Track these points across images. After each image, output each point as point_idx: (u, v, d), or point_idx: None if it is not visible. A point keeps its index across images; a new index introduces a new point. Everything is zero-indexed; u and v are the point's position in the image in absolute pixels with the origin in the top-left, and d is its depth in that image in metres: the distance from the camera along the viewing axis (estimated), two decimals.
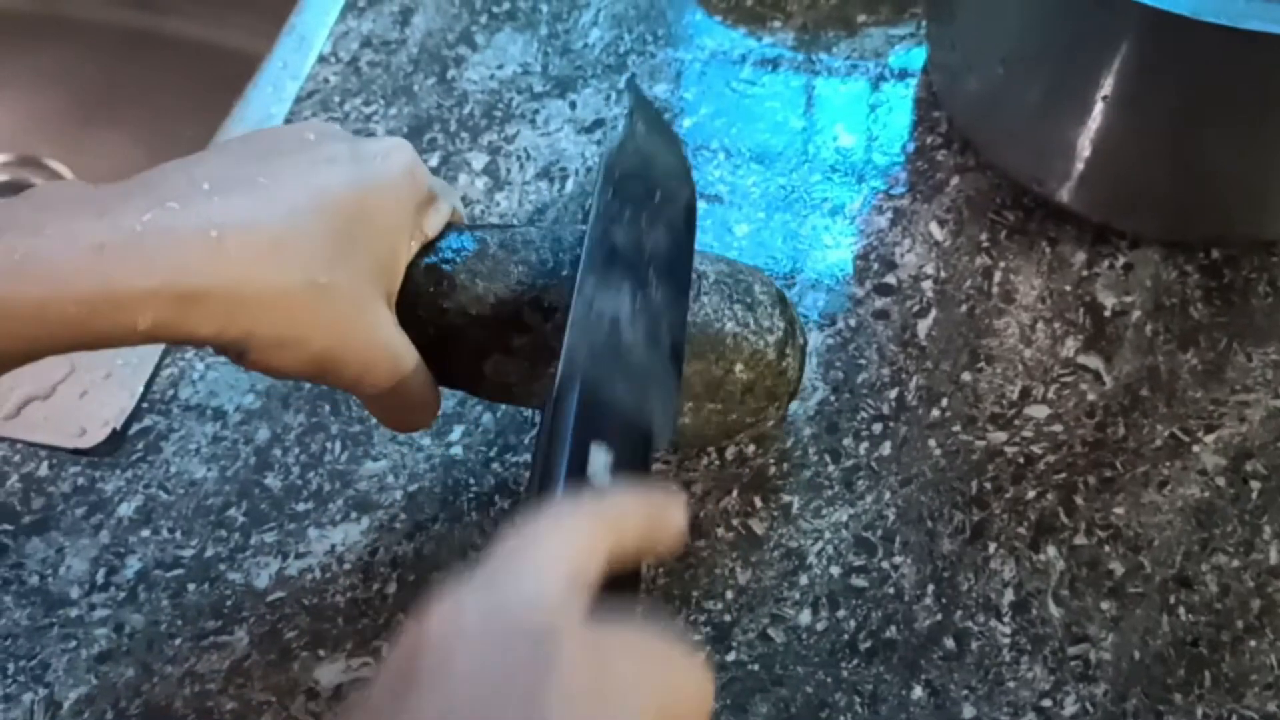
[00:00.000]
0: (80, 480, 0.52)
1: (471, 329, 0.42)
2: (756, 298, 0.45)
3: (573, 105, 0.63)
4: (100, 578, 0.49)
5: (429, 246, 0.43)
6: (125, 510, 0.51)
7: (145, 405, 0.53)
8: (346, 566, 0.49)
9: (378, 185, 0.39)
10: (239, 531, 0.50)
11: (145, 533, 0.50)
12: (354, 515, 0.50)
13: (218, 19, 1.01)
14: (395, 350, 0.40)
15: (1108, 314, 0.53)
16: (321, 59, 0.66)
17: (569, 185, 0.59)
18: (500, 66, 0.65)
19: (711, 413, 0.45)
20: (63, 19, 0.99)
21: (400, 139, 0.42)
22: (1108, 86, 0.49)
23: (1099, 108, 0.50)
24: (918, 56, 0.63)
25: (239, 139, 0.39)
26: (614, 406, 0.36)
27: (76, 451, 0.52)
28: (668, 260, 0.42)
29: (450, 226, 0.44)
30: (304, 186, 0.37)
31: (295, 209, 0.36)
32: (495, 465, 0.51)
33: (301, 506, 0.50)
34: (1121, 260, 0.55)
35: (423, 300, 0.42)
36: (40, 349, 0.33)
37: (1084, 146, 0.52)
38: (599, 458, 0.33)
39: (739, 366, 0.44)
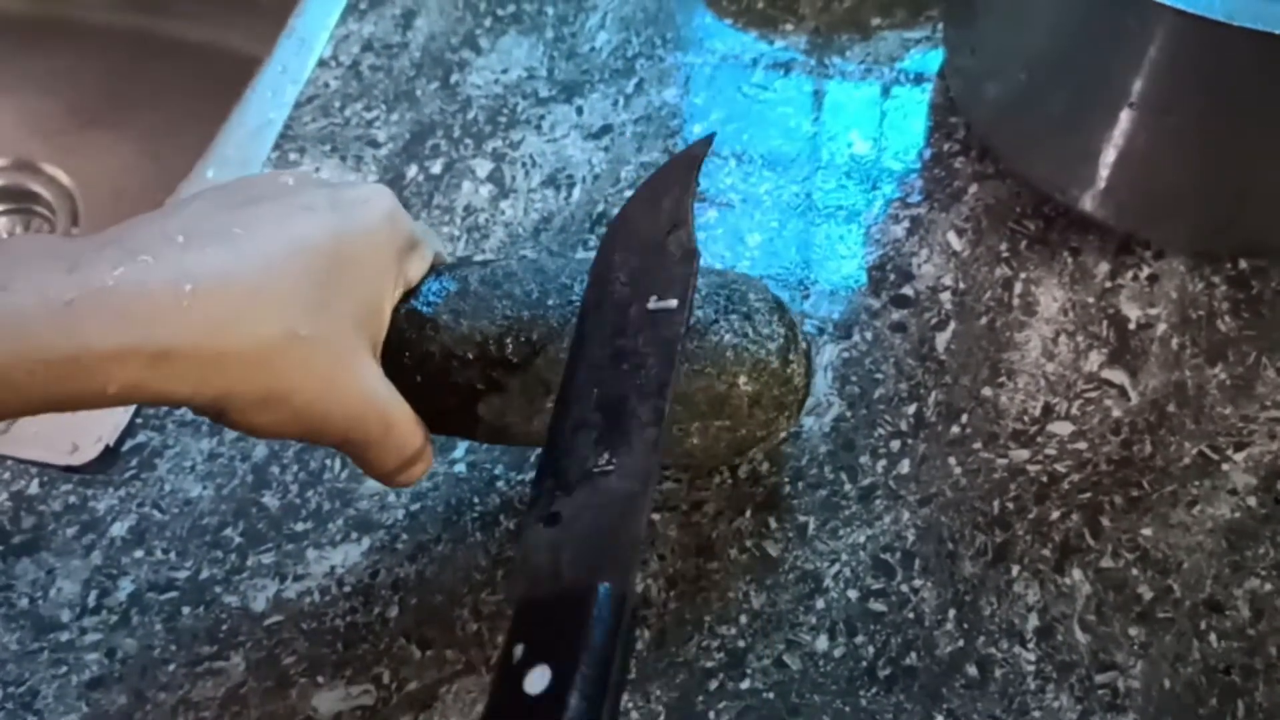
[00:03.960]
0: (72, 499, 0.50)
1: (460, 370, 0.41)
2: (752, 306, 0.43)
3: (580, 110, 0.61)
4: (92, 600, 0.47)
5: (410, 292, 0.41)
6: (118, 530, 0.49)
7: (139, 421, 0.52)
8: (346, 589, 0.47)
9: (357, 232, 0.38)
10: (235, 552, 0.48)
11: (138, 553, 0.48)
12: (354, 535, 0.48)
13: (220, 21, 1.00)
14: (383, 401, 0.38)
15: (1132, 327, 0.51)
16: (322, 63, 0.65)
17: (575, 193, 0.58)
18: (505, 71, 0.63)
19: (720, 430, 0.43)
20: (60, 21, 0.98)
21: (380, 185, 0.40)
22: (1135, 92, 0.48)
23: (1126, 114, 0.49)
24: (934, 60, 0.61)
25: (216, 188, 0.38)
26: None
27: (68, 469, 0.51)
28: (656, 339, 0.38)
29: (431, 269, 0.43)
30: (280, 236, 0.36)
31: (272, 259, 0.35)
32: (500, 484, 0.49)
33: (300, 526, 0.49)
34: (1146, 271, 0.53)
35: (407, 346, 0.41)
36: (4, 411, 0.32)
37: (1109, 154, 0.51)
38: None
39: (742, 379, 0.42)
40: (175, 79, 0.99)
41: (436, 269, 0.43)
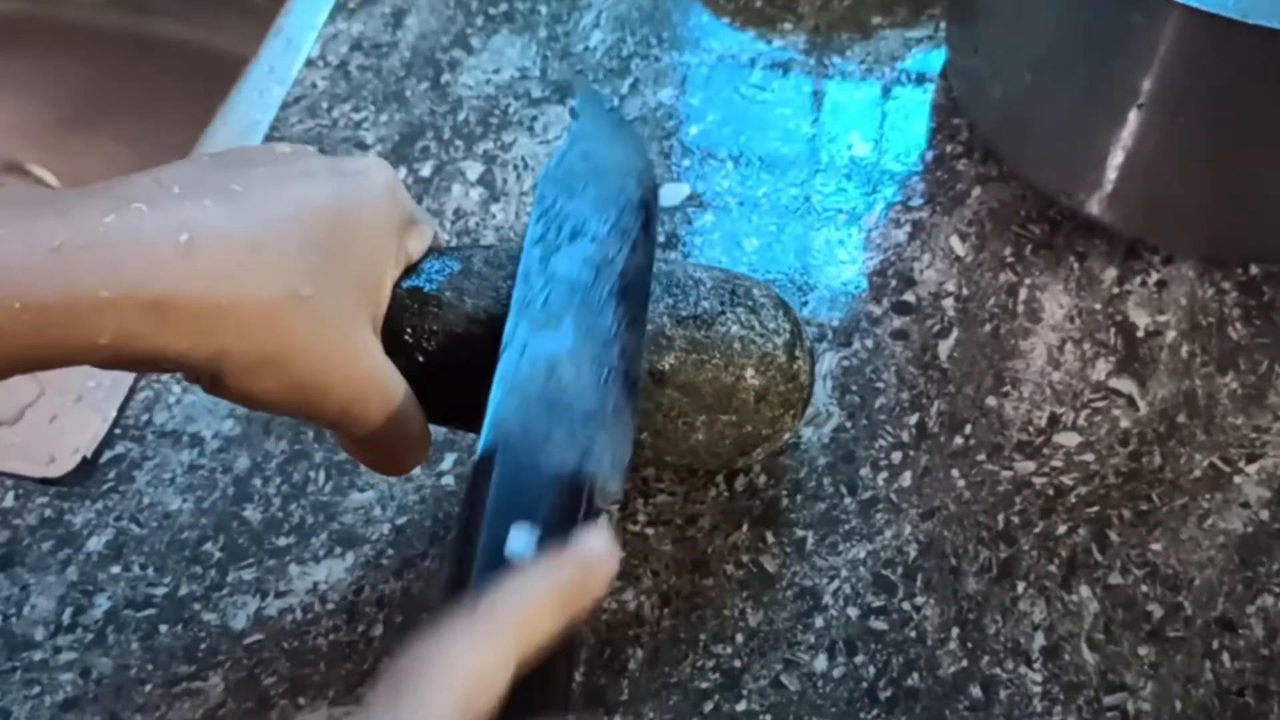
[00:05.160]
0: (48, 512, 0.48)
1: (463, 350, 0.39)
2: (757, 300, 0.42)
3: (573, 112, 0.59)
4: (67, 618, 0.46)
5: (410, 269, 0.40)
6: (95, 545, 0.48)
7: (118, 431, 0.50)
8: (330, 606, 0.46)
9: (358, 201, 0.36)
10: (215, 568, 0.47)
11: (115, 569, 0.47)
12: (338, 551, 0.47)
13: (208, 21, 0.98)
14: (384, 378, 0.36)
15: (1141, 334, 0.50)
16: (309, 63, 0.63)
17: None
18: (497, 71, 0.61)
19: (726, 426, 0.42)
20: (47, 21, 0.96)
21: (379, 159, 0.39)
22: (1144, 93, 0.46)
23: (1134, 115, 0.47)
24: (936, 60, 0.60)
25: (208, 154, 0.36)
26: (543, 473, 0.33)
27: (45, 481, 0.49)
28: (624, 272, 0.38)
29: (431, 250, 0.41)
30: (281, 196, 0.34)
31: (273, 216, 0.33)
32: None
33: (282, 541, 0.47)
34: (1155, 277, 0.51)
35: (408, 323, 0.39)
36: None
37: (1117, 156, 0.49)
38: (520, 539, 0.31)
39: (749, 372, 0.41)
40: (163, 80, 0.98)
41: (437, 249, 0.42)
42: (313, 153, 0.38)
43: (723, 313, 0.41)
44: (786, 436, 0.44)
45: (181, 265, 0.31)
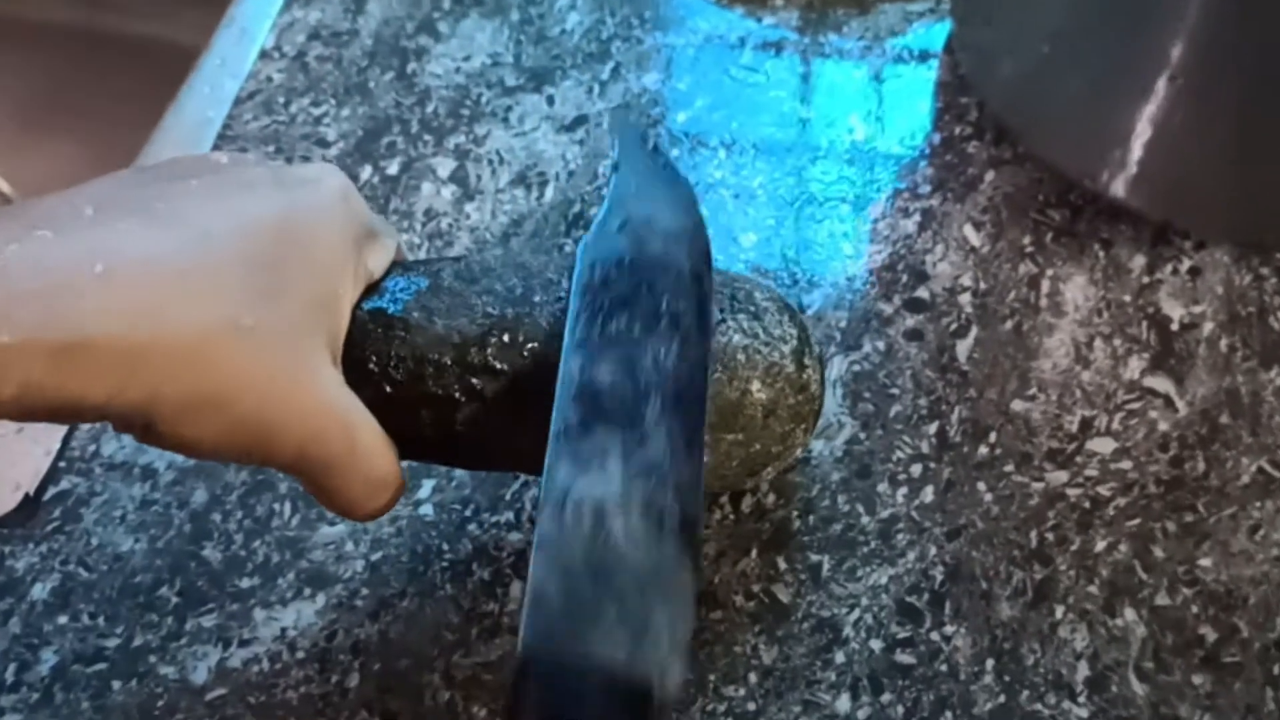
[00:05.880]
0: None
1: (435, 377, 0.35)
2: (760, 305, 0.38)
3: (550, 100, 0.55)
4: (10, 675, 0.41)
5: (371, 289, 0.35)
6: (39, 592, 0.43)
7: (63, 465, 0.46)
8: (300, 655, 0.41)
9: (308, 213, 0.32)
10: (172, 615, 0.42)
11: (63, 619, 0.43)
12: (308, 592, 0.43)
13: (164, 13, 0.94)
14: (346, 413, 0.32)
15: (1175, 327, 0.46)
16: (264, 54, 0.58)
17: (549, 192, 0.52)
18: (467, 58, 0.57)
19: (732, 445, 0.38)
20: None
21: (330, 164, 0.34)
22: (1174, 62, 0.42)
23: (1163, 86, 0.43)
24: (939, 35, 0.56)
25: (132, 169, 0.32)
26: (593, 674, 0.27)
27: None
28: (676, 376, 0.32)
29: (394, 265, 0.37)
30: (216, 212, 0.30)
31: (206, 236, 0.29)
32: (472, 527, 0.44)
33: (246, 583, 0.43)
34: (1187, 264, 0.48)
35: (372, 350, 0.34)
36: None
37: (1144, 133, 0.45)
38: None
39: (755, 385, 0.37)
40: (120, 74, 0.94)
41: (400, 264, 0.37)
42: (254, 161, 0.33)
43: (722, 320, 0.37)
44: (798, 453, 0.40)
45: (96, 300, 0.27)
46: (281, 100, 0.56)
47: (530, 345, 0.35)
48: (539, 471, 0.40)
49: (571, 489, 0.30)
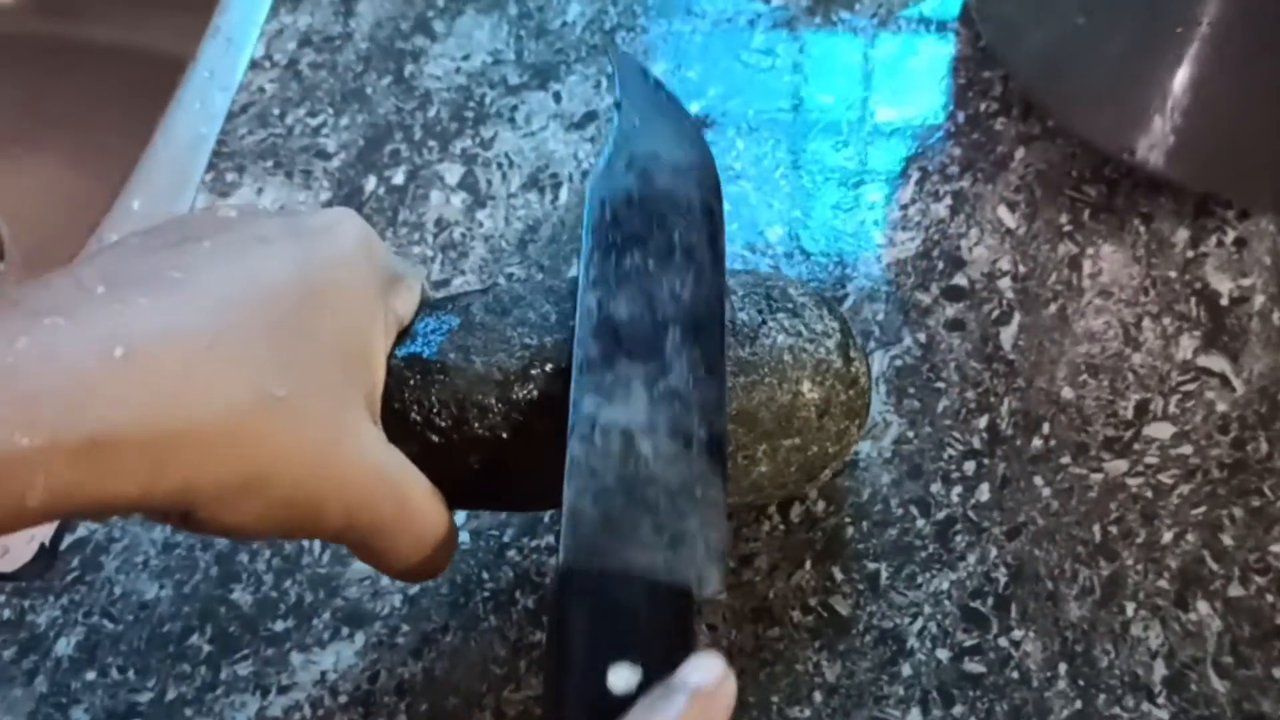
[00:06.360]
0: (6, 613, 0.42)
1: (481, 419, 0.33)
2: (797, 301, 0.37)
3: (557, 97, 0.53)
4: None
5: (401, 334, 0.34)
6: (64, 648, 0.41)
7: None
8: (342, 699, 0.40)
9: (328, 264, 0.30)
10: (205, 664, 0.41)
11: (90, 675, 0.41)
12: (345, 632, 0.41)
13: (144, 21, 0.91)
14: (392, 473, 0.30)
15: (1225, 302, 0.44)
16: (254, 64, 0.56)
17: (563, 194, 0.50)
18: (466, 57, 0.55)
19: (790, 451, 0.36)
20: None
21: (344, 208, 0.32)
22: (1214, 25, 0.40)
23: (1202, 53, 0.42)
24: (953, 6, 0.54)
25: (138, 231, 0.30)
26: (634, 582, 0.28)
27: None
28: (692, 308, 0.33)
29: (420, 305, 0.35)
30: (234, 275, 0.28)
31: (226, 303, 0.27)
32: (511, 553, 0.42)
33: (280, 625, 0.41)
34: (1231, 235, 0.46)
35: (411, 399, 0.33)
36: None
37: (1182, 101, 0.44)
38: (621, 677, 0.26)
39: (806, 385, 0.35)
40: (99, 88, 0.91)
41: (426, 303, 0.36)
42: (264, 212, 0.32)
43: (764, 322, 0.36)
44: (854, 451, 0.39)
45: (119, 388, 0.25)
46: (276, 112, 0.54)
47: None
48: None
49: (598, 417, 0.31)
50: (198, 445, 0.26)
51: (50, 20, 0.92)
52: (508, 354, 0.33)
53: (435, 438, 0.33)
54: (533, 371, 0.33)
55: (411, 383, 0.33)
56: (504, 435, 0.33)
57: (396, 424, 0.32)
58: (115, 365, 0.25)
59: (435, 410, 0.33)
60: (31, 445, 0.24)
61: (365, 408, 0.30)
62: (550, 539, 0.42)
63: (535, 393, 0.33)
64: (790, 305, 0.37)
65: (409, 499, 0.31)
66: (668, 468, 0.30)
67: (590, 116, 0.52)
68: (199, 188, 0.53)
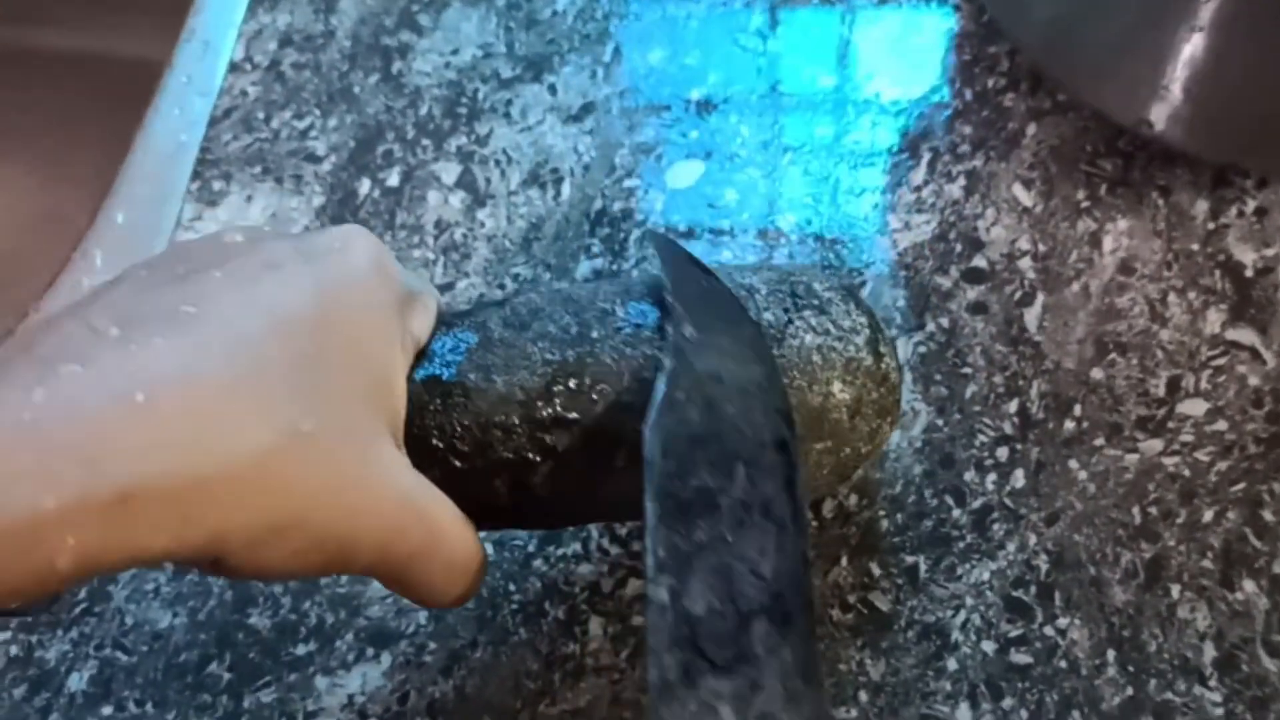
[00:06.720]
0: (13, 649, 0.40)
1: (504, 441, 0.32)
2: (823, 296, 0.36)
3: (552, 90, 0.51)
4: None
5: (418, 355, 0.32)
6: (77, 683, 0.40)
7: None
8: None
9: (343, 289, 0.28)
10: (226, 693, 0.39)
11: (107, 710, 0.39)
12: (370, 652, 0.40)
13: (107, 25, 0.88)
14: (421, 503, 0.29)
15: (1249, 273, 0.44)
16: (234, 67, 0.54)
17: (565, 190, 0.48)
18: (455, 51, 0.53)
19: (822, 454, 0.35)
20: None
21: (354, 225, 0.31)
22: None
23: (1217, 18, 0.41)
24: None
25: (142, 264, 0.28)
26: None
27: (2, 613, 0.41)
28: (777, 588, 0.28)
29: (435, 321, 0.34)
30: (249, 307, 0.26)
31: (244, 339, 0.26)
32: (538, 563, 0.41)
33: (302, 649, 0.40)
34: (1252, 205, 0.45)
35: (433, 424, 0.31)
36: None
37: (1198, 69, 0.43)
38: None
39: (837, 385, 0.34)
40: (62, 97, 0.88)
41: (441, 320, 0.34)
42: (271, 234, 0.30)
43: (790, 322, 0.35)
44: (885, 448, 0.38)
45: (143, 437, 0.23)
46: (261, 115, 0.52)
47: (599, 387, 0.32)
48: (621, 519, 0.37)
49: None
50: (228, 490, 0.24)
51: (3, 28, 0.89)
52: (529, 371, 0.32)
53: (458, 463, 0.31)
54: (555, 389, 0.32)
55: (432, 407, 0.31)
56: (529, 456, 0.31)
57: (419, 449, 0.31)
58: (137, 413, 0.23)
59: (457, 435, 0.31)
60: (59, 505, 0.22)
61: (389, 435, 0.29)
62: (576, 546, 0.41)
63: (559, 410, 0.32)
64: (816, 302, 0.36)
65: (438, 526, 0.29)
66: None
67: (588, 108, 0.51)
68: (185, 197, 0.51)
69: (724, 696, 0.26)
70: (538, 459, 0.32)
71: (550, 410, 0.32)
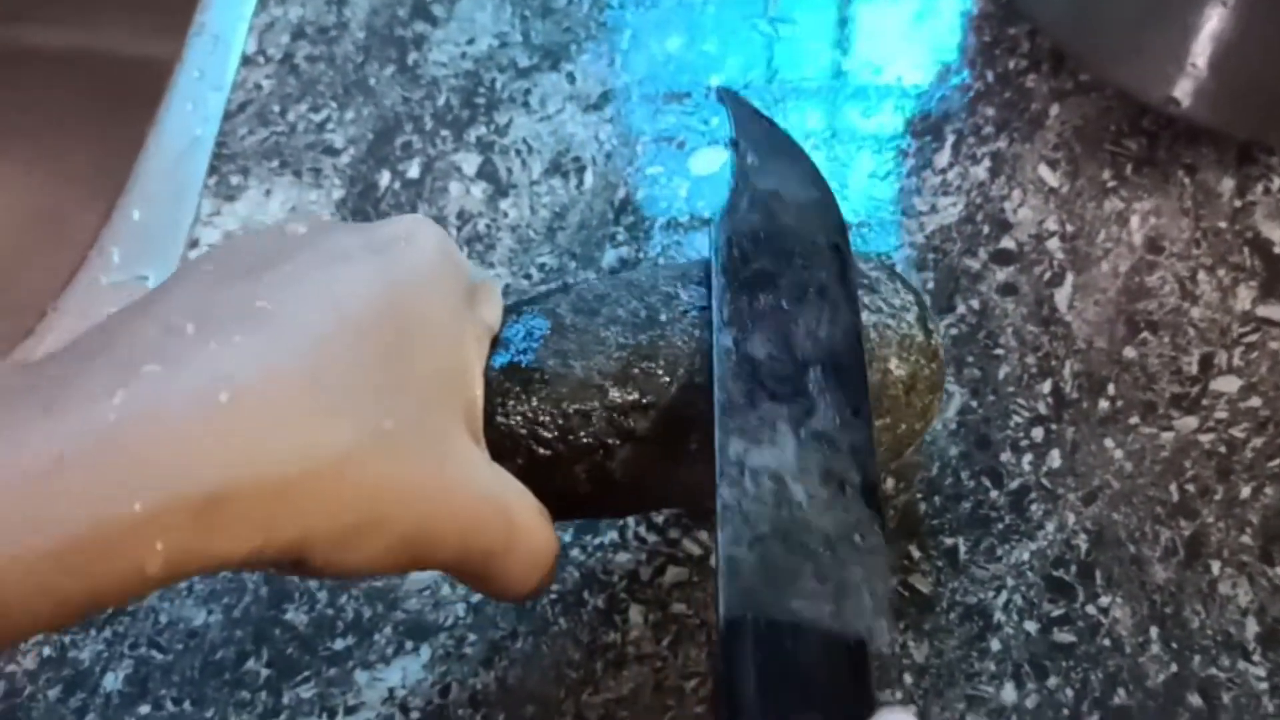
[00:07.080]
0: (47, 651, 0.40)
1: (585, 426, 0.32)
2: (872, 277, 0.36)
3: (570, 78, 0.51)
4: None
5: (493, 344, 0.32)
6: (112, 683, 0.39)
7: None
8: (414, 715, 0.38)
9: (414, 280, 0.28)
10: (265, 689, 0.39)
11: (144, 709, 0.39)
12: (409, 645, 0.39)
13: (96, 22, 0.88)
14: (502, 496, 0.29)
15: (1279, 250, 0.44)
16: (247, 60, 0.54)
17: (588, 178, 0.48)
18: (471, 41, 0.53)
19: (880, 431, 0.35)
20: None
21: (417, 215, 0.31)
22: None
23: None
24: None
25: (205, 258, 0.28)
26: (804, 633, 0.26)
27: None
28: (830, 347, 0.32)
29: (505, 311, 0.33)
30: (323, 300, 0.26)
31: (321, 335, 0.25)
32: (575, 552, 0.40)
33: (340, 644, 0.40)
34: (1278, 181, 0.45)
35: (515, 411, 0.31)
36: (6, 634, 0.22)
37: (1222, 44, 0.43)
38: None
39: (893, 362, 0.35)
40: (53, 96, 0.88)
41: (505, 309, 0.34)
42: (334, 225, 0.30)
43: None
44: (934, 424, 0.38)
45: (229, 438, 0.23)
46: (276, 109, 0.52)
47: (673, 370, 0.32)
48: (695, 503, 0.37)
49: (746, 460, 0.29)
50: (314, 491, 0.24)
51: (2, 26, 0.88)
52: (605, 356, 0.32)
53: (541, 450, 0.31)
54: (632, 372, 0.32)
55: (513, 394, 0.31)
56: (609, 441, 0.31)
57: (500, 439, 0.31)
58: (222, 413, 0.23)
59: (541, 422, 0.31)
60: (148, 510, 0.22)
61: (465, 427, 0.29)
62: (614, 535, 0.41)
63: (636, 395, 0.32)
64: (865, 281, 0.36)
65: (518, 519, 0.29)
66: (823, 513, 0.28)
67: (607, 97, 0.50)
68: (203, 193, 0.50)
69: (781, 416, 0.30)
70: (617, 443, 0.32)
71: (628, 394, 0.32)
